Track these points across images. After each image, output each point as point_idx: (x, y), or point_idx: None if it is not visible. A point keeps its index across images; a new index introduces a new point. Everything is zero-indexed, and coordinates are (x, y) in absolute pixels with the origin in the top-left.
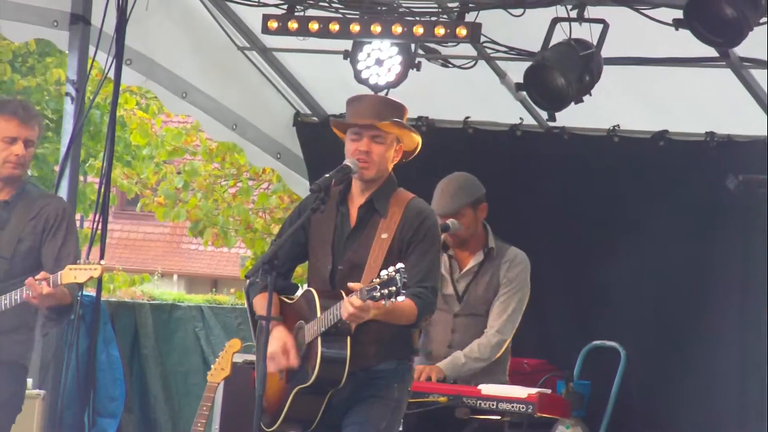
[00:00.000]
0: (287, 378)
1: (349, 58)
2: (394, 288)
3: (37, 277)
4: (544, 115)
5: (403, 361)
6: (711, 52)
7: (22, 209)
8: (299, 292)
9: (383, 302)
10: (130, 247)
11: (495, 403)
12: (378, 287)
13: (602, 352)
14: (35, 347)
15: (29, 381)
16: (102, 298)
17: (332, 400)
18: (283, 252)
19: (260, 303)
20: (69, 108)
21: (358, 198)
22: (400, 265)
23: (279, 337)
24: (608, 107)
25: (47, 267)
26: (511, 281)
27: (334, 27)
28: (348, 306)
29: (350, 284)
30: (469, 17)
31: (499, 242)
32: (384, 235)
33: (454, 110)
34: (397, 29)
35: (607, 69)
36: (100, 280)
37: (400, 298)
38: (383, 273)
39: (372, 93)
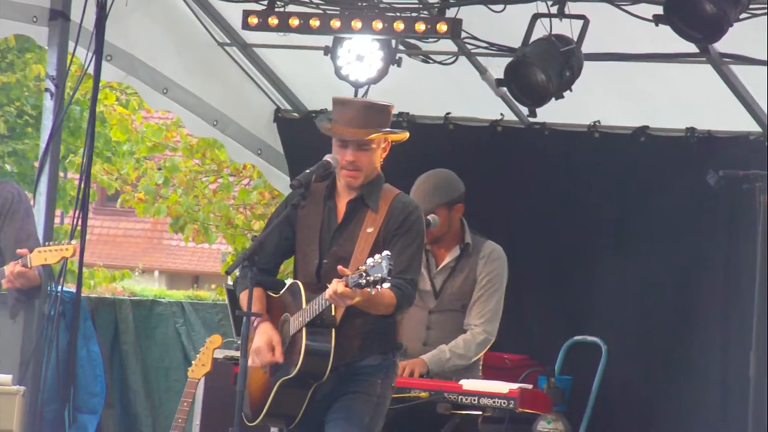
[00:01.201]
0: (271, 372)
1: (329, 54)
2: (379, 275)
3: (12, 266)
4: (524, 110)
5: (386, 356)
6: (691, 48)
7: None
8: (285, 287)
9: (369, 290)
10: (111, 243)
11: (476, 399)
12: (364, 274)
13: (583, 347)
14: (15, 342)
15: (9, 377)
16: (82, 294)
17: (315, 396)
18: (268, 248)
19: (246, 300)
20: (48, 104)
21: (345, 193)
22: (386, 252)
23: (265, 332)
24: (589, 103)
25: (8, 250)
26: (489, 278)
27: (315, 23)
28: (334, 287)
29: (340, 268)
30: (450, 13)
31: (476, 237)
32: (369, 230)
33: (434, 106)
34: (378, 25)
35: (587, 65)
36: (80, 276)
37: (386, 285)
38: (369, 260)
39: (352, 89)
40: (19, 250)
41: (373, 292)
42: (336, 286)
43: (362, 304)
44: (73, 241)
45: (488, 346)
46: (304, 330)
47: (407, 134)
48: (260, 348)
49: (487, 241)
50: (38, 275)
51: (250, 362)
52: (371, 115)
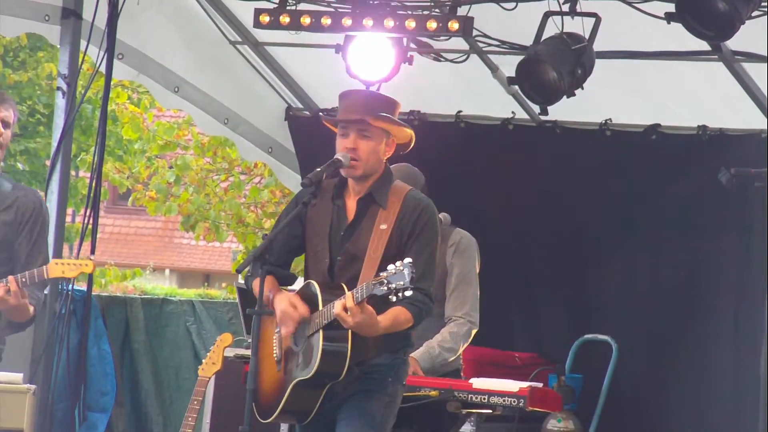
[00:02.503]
0: (285, 370)
1: (340, 52)
2: (401, 283)
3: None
4: (536, 108)
5: (397, 355)
6: (703, 45)
7: None
8: (298, 284)
9: (391, 297)
10: (122, 241)
11: (486, 397)
12: (385, 281)
13: (594, 345)
14: (26, 341)
15: (20, 375)
16: (93, 293)
17: (328, 394)
18: (278, 245)
19: (258, 287)
20: (60, 102)
21: (355, 191)
22: (408, 259)
23: (281, 298)
24: (600, 101)
25: (18, 264)
26: (462, 267)
27: (326, 21)
28: (339, 308)
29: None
30: (461, 11)
31: (442, 226)
32: (383, 226)
33: (446, 104)
34: (389, 23)
35: (599, 63)
36: (91, 274)
37: (408, 293)
38: (390, 267)
39: (363, 87)
40: (10, 277)
41: (394, 299)
42: (339, 306)
43: (372, 330)
44: (92, 257)
45: (473, 335)
46: (321, 331)
47: (410, 132)
48: (285, 310)
49: (455, 229)
50: (29, 308)
51: (284, 332)
52: (373, 103)
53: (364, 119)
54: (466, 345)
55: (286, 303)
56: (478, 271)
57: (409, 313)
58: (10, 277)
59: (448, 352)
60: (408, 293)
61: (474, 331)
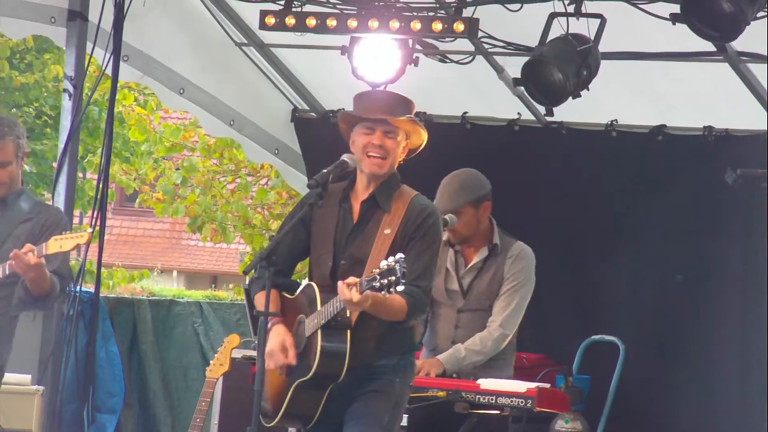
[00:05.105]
0: (287, 373)
1: (346, 54)
2: (393, 278)
3: (23, 249)
4: (541, 110)
5: (404, 356)
6: (708, 46)
7: (13, 212)
8: (300, 288)
9: (383, 293)
10: (130, 243)
11: (494, 398)
12: (378, 277)
13: (601, 346)
14: (34, 342)
15: (28, 377)
16: (101, 294)
17: (332, 395)
18: (283, 248)
19: (261, 300)
20: (67, 104)
21: (361, 194)
22: (399, 255)
23: (278, 334)
24: (606, 102)
25: None
26: (515, 276)
27: (332, 22)
28: (344, 291)
29: (349, 279)
30: (467, 12)
31: (506, 237)
32: (387, 231)
33: (451, 105)
34: (395, 24)
35: (604, 64)
36: (98, 276)
37: (399, 288)
38: (383, 263)
39: (370, 89)
40: (31, 246)
41: (387, 295)
42: (345, 291)
43: (372, 309)
44: (89, 229)
45: (506, 342)
46: (319, 332)
47: (425, 137)
48: (273, 351)
49: (516, 242)
50: (49, 280)
51: (269, 365)
52: (397, 103)
53: (390, 120)
54: (497, 350)
55: (278, 344)
56: (533, 284)
57: (403, 300)
58: (27, 245)
59: (476, 356)
60: (399, 288)
61: (507, 337)
